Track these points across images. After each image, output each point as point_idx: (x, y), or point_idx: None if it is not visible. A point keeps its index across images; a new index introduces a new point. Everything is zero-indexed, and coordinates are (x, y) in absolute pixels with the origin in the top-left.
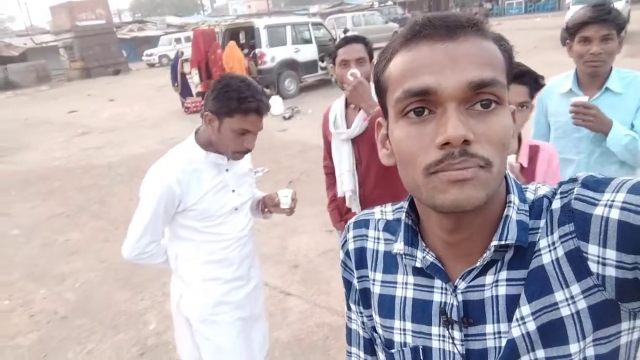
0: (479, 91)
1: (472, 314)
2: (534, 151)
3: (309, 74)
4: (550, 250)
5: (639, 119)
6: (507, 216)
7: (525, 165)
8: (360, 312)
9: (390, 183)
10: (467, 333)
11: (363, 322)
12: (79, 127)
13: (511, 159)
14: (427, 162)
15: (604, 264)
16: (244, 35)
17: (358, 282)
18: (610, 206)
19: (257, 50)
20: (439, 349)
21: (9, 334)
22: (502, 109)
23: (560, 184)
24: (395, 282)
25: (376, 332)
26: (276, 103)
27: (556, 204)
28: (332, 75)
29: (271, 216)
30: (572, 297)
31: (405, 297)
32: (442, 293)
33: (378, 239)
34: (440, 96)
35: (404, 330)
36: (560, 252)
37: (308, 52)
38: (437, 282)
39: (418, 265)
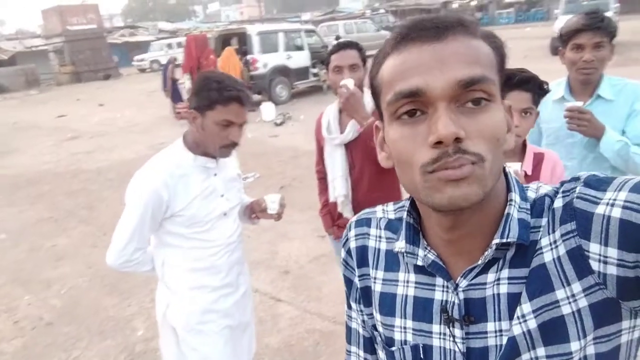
0: (468, 89)
1: (473, 312)
2: (538, 159)
3: (300, 80)
4: (551, 249)
5: (630, 125)
6: (508, 214)
7: (529, 173)
8: (361, 311)
9: (382, 188)
10: (468, 331)
11: (363, 321)
12: (68, 131)
13: (516, 166)
14: (423, 161)
15: (605, 263)
16: (236, 41)
17: (359, 280)
18: (612, 205)
19: (249, 57)
20: (440, 347)
21: None
22: (493, 105)
23: (562, 183)
24: (397, 280)
25: (377, 330)
26: (268, 109)
27: (558, 203)
28: (324, 81)
29: (259, 222)
30: (573, 295)
31: (406, 295)
32: (443, 291)
33: (380, 237)
34: (430, 96)
35: (405, 328)
36: (562, 250)
37: (300, 59)
38: (439, 280)
39: (419, 263)
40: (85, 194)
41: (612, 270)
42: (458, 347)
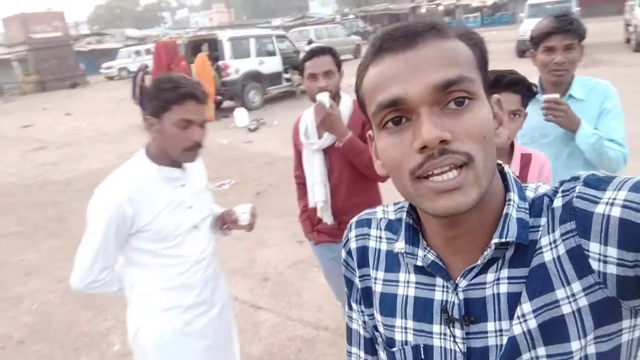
0: (447, 91)
1: (473, 312)
2: (525, 160)
3: (273, 85)
4: (551, 248)
5: (601, 123)
6: (507, 214)
7: (517, 174)
8: (362, 311)
9: (362, 193)
10: (469, 331)
11: (364, 322)
12: (34, 142)
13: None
14: (411, 167)
15: (605, 262)
16: (207, 48)
17: (360, 280)
18: (612, 204)
19: (220, 63)
20: (440, 347)
21: None
22: (476, 103)
23: (562, 182)
24: (397, 281)
25: (377, 331)
26: (241, 115)
27: (557, 202)
28: (297, 86)
29: (231, 233)
30: (573, 295)
31: (407, 296)
32: (443, 291)
33: (380, 237)
34: (411, 103)
35: (406, 328)
36: (562, 249)
37: (272, 64)
38: (439, 281)
39: (419, 263)
40: (53, 206)
41: (612, 269)
42: (458, 347)
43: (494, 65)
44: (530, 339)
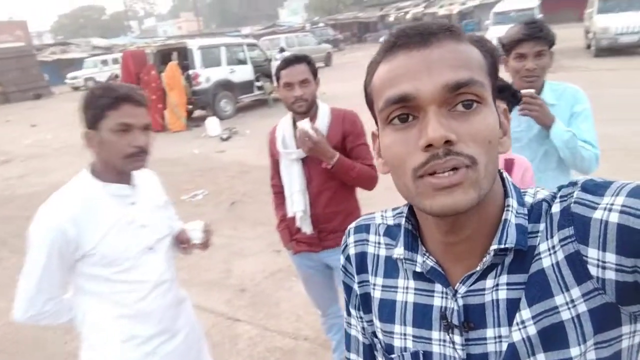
0: (457, 92)
1: (472, 318)
2: (509, 164)
3: (245, 94)
4: (550, 254)
5: (572, 126)
6: (506, 220)
7: None
8: (361, 317)
9: (341, 201)
10: (468, 337)
11: (363, 328)
12: None
13: None
14: (414, 165)
15: (603, 268)
16: (176, 56)
17: (359, 286)
18: (610, 210)
19: (191, 71)
20: (440, 353)
21: None
22: (484, 107)
23: (560, 187)
24: (396, 287)
25: (376, 337)
26: (212, 124)
27: (556, 208)
28: (269, 93)
29: (191, 252)
30: (572, 301)
31: (405, 302)
32: (442, 297)
33: (379, 243)
34: (420, 101)
35: (405, 335)
36: (560, 255)
37: (243, 73)
38: (438, 287)
39: (418, 269)
40: (19, 221)
41: (610, 275)
42: (458, 354)
43: None
44: (530, 346)
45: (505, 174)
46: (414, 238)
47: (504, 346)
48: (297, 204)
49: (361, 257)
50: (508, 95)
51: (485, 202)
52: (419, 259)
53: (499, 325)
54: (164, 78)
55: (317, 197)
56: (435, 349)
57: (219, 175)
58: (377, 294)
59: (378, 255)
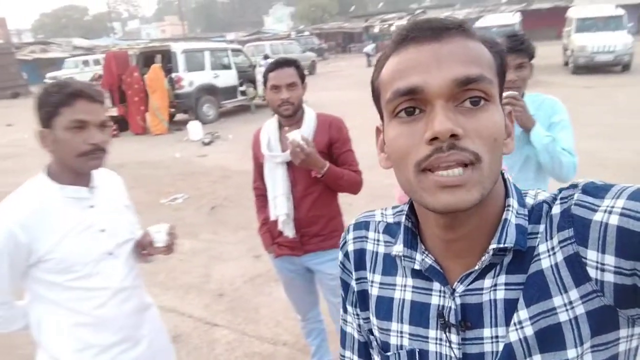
0: (465, 88)
1: (469, 317)
2: None
3: (228, 99)
4: (549, 255)
5: (553, 132)
6: (506, 220)
7: None
8: (357, 315)
9: (324, 205)
10: (465, 337)
11: (359, 325)
12: None
13: None
14: (417, 158)
15: (602, 270)
16: (160, 59)
17: (356, 283)
18: (610, 212)
19: (174, 75)
20: (436, 352)
21: None
22: (491, 105)
23: (561, 189)
24: (394, 285)
25: (372, 334)
26: (195, 128)
27: (556, 210)
28: (251, 99)
29: (153, 260)
30: (570, 303)
31: (403, 300)
32: (440, 296)
33: (378, 240)
34: (428, 94)
35: (401, 332)
36: (560, 257)
37: (227, 78)
38: (436, 285)
39: (417, 267)
40: None
41: (609, 277)
42: (454, 353)
43: None
44: (527, 346)
45: (507, 175)
46: (414, 236)
47: (501, 346)
48: (281, 207)
49: (360, 254)
50: None
51: (486, 201)
52: (418, 256)
53: (496, 325)
54: (146, 80)
55: (301, 201)
56: (432, 347)
57: (200, 180)
58: (374, 291)
59: (377, 253)
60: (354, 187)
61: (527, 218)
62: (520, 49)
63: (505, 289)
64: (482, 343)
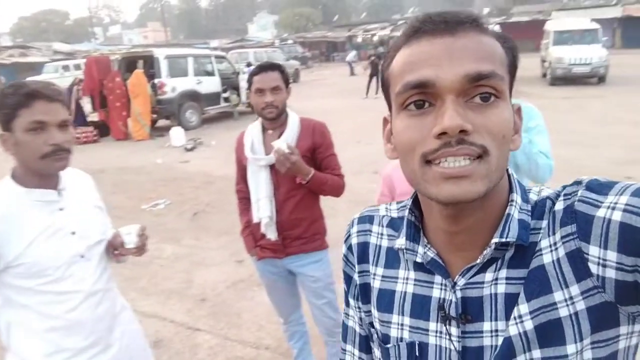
0: (477, 84)
1: (470, 310)
2: None
3: (211, 105)
4: (551, 251)
5: (529, 135)
6: (508, 214)
7: None
8: (359, 307)
9: (307, 208)
10: (465, 330)
11: (360, 318)
12: None
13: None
14: (425, 150)
15: (604, 266)
16: (142, 65)
17: (359, 276)
18: (613, 208)
19: (156, 80)
20: (436, 345)
21: None
22: (502, 102)
23: (564, 186)
24: (397, 277)
25: (373, 327)
26: (177, 134)
27: (559, 205)
28: (234, 105)
29: (125, 260)
30: (571, 298)
31: (405, 292)
32: (441, 289)
33: (381, 234)
34: (439, 88)
35: (402, 325)
36: (562, 252)
37: (211, 84)
38: (437, 278)
39: (419, 260)
40: None
41: (610, 273)
42: (454, 346)
43: None
44: (526, 341)
45: (511, 170)
46: (416, 229)
47: (500, 340)
48: (264, 210)
49: (363, 247)
50: None
51: (490, 195)
52: (420, 249)
53: (496, 319)
54: (129, 85)
55: (284, 204)
56: (432, 340)
57: (182, 185)
58: (376, 284)
59: (380, 246)
60: (337, 190)
61: (530, 213)
62: None
63: (506, 283)
64: (482, 336)
